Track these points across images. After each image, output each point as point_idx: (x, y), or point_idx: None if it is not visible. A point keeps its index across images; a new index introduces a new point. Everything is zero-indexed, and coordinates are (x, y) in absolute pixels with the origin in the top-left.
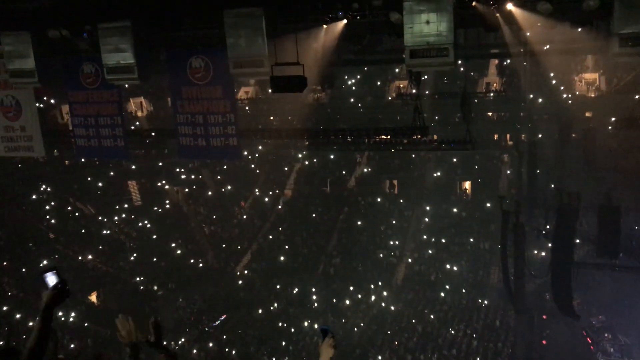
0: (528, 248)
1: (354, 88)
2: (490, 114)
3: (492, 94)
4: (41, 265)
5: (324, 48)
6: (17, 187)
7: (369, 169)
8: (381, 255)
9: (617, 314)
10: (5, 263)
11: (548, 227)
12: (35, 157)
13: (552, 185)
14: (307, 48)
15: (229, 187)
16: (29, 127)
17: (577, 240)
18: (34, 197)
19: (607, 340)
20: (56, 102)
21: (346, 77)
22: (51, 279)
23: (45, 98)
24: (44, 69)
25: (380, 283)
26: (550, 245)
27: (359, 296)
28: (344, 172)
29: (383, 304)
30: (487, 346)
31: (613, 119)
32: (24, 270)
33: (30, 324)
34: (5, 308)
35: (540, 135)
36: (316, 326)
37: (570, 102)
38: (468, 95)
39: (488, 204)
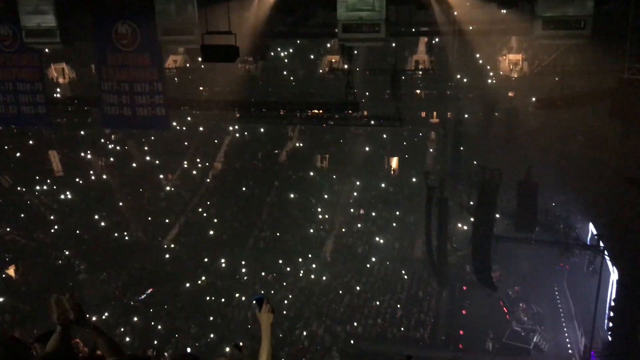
0: (451, 222)
1: (286, 61)
2: (418, 91)
3: (420, 72)
4: None
5: (256, 18)
6: None
7: (301, 144)
8: (311, 230)
9: (532, 285)
10: None
11: (471, 202)
12: None
13: (475, 162)
14: (240, 17)
15: (156, 160)
16: None
17: (498, 215)
18: None
19: (521, 310)
20: None
21: (279, 49)
22: None
23: None
24: None
25: (309, 256)
26: (472, 219)
27: (288, 269)
28: (275, 146)
29: (312, 276)
30: (410, 316)
31: (533, 99)
32: None
33: None
34: None
35: (465, 115)
36: (244, 299)
37: (494, 81)
38: (398, 72)
39: (414, 179)
